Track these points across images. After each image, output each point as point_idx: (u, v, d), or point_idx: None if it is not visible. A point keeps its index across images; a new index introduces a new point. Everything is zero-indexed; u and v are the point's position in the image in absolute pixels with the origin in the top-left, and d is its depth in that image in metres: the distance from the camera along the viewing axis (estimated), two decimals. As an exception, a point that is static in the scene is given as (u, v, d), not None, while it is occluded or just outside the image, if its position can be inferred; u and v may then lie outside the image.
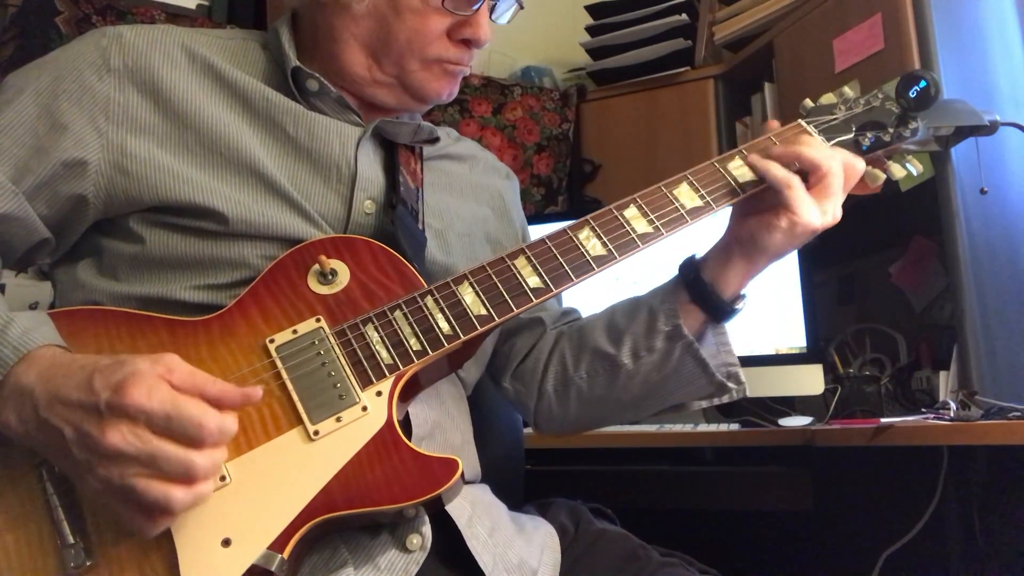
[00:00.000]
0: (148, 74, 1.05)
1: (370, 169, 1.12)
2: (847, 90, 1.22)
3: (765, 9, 2.33)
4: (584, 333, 1.24)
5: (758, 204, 1.10)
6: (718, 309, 1.13)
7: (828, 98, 1.22)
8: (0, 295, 0.95)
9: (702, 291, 1.13)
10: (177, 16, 2.37)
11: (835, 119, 1.19)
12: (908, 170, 1.21)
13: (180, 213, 1.02)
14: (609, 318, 1.23)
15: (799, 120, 1.19)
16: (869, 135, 1.17)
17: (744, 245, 1.11)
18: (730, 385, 1.18)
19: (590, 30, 2.69)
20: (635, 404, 1.23)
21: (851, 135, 1.17)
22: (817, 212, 1.06)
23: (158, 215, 1.03)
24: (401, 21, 1.09)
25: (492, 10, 1.15)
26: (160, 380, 0.80)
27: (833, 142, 1.16)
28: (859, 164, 1.10)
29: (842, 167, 1.08)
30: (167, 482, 0.79)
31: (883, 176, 1.19)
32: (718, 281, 1.13)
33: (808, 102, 1.22)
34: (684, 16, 2.52)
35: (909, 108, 1.17)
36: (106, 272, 1.04)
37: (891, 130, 1.17)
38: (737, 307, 1.15)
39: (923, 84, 1.15)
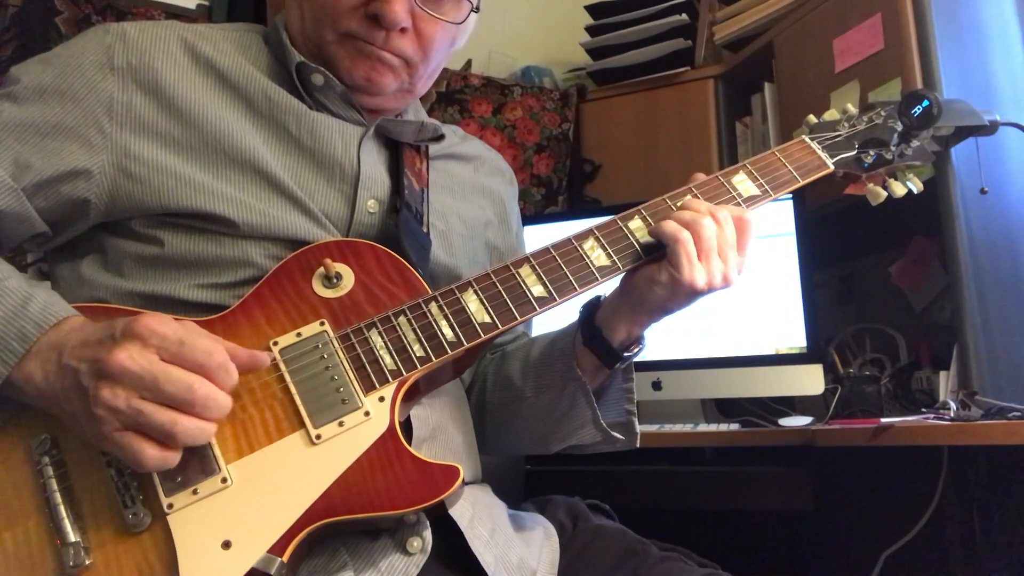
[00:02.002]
0: (151, 73, 1.05)
1: (373, 169, 1.11)
2: (850, 107, 1.23)
3: (765, 9, 2.33)
4: (505, 360, 1.24)
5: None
6: (608, 354, 1.10)
7: (831, 114, 1.23)
8: (16, 271, 0.95)
9: (592, 334, 1.10)
10: (177, 16, 2.36)
11: (838, 136, 1.20)
12: (909, 188, 1.22)
13: (187, 216, 1.02)
14: (528, 349, 1.21)
15: (803, 136, 1.20)
16: (872, 152, 1.19)
17: (630, 295, 1.08)
18: (616, 436, 1.15)
19: (590, 30, 2.69)
20: (541, 438, 1.20)
21: (854, 152, 1.19)
22: (701, 272, 1.01)
23: (165, 217, 1.03)
24: None
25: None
26: (176, 320, 0.85)
27: (836, 159, 1.17)
28: (733, 217, 1.03)
29: (715, 224, 1.02)
30: (171, 408, 0.81)
31: (884, 194, 1.21)
32: (607, 326, 1.09)
33: (812, 118, 1.23)
34: (684, 16, 2.52)
35: (912, 127, 1.19)
36: (111, 269, 1.04)
37: (893, 148, 1.18)
38: (628, 353, 1.10)
39: (926, 103, 1.17)
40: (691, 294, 1.03)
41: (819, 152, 1.17)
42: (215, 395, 0.83)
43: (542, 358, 1.16)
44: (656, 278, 1.03)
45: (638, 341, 1.11)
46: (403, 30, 1.09)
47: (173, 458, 0.83)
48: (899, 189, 1.21)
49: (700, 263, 1.01)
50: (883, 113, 1.21)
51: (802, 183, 1.14)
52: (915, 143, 1.20)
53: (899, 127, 1.19)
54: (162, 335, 0.82)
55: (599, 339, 1.10)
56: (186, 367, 0.82)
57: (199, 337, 0.84)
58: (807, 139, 1.19)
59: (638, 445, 1.18)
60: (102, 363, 0.81)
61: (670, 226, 1.02)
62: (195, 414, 0.82)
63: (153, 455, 0.82)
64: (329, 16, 1.08)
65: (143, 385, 0.80)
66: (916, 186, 1.23)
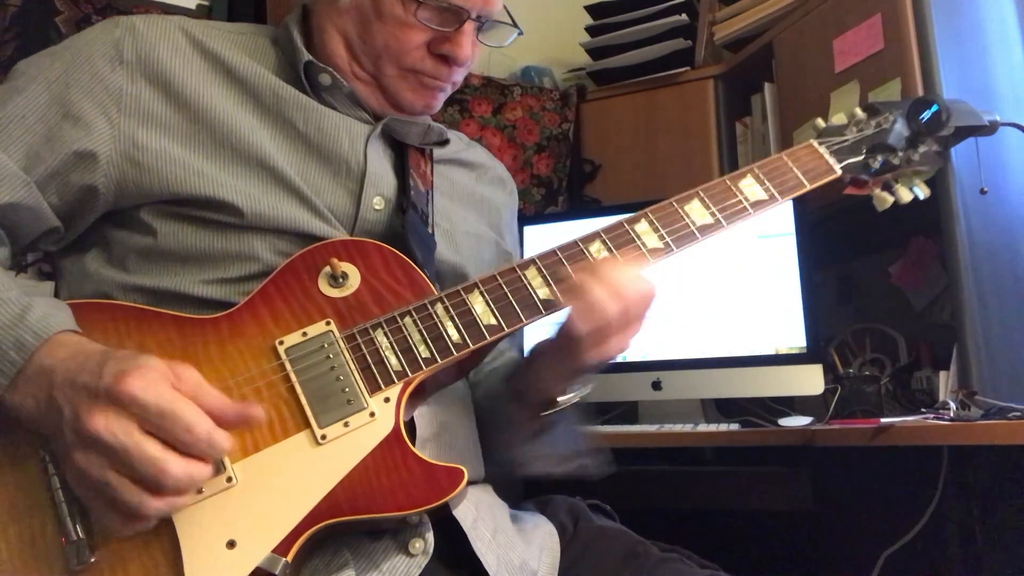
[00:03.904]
0: (160, 67, 1.05)
1: (380, 167, 1.12)
2: (858, 111, 1.23)
3: (765, 9, 2.34)
4: (481, 383, 1.24)
5: None
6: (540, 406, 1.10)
7: (839, 118, 1.23)
8: (15, 280, 0.95)
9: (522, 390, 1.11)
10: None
11: (846, 140, 1.19)
12: (915, 194, 1.22)
13: (193, 205, 1.02)
14: (496, 375, 1.23)
15: (811, 141, 1.20)
16: (879, 158, 1.18)
17: (546, 357, 1.08)
18: (577, 462, 1.16)
19: (590, 30, 2.69)
20: (509, 463, 1.19)
21: (861, 157, 1.19)
22: (585, 321, 0.98)
23: (170, 207, 1.03)
24: (382, 25, 1.09)
25: (480, 30, 1.13)
26: (164, 379, 0.80)
27: (844, 163, 1.17)
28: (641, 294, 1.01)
29: (603, 297, 0.98)
30: (141, 487, 0.79)
31: (891, 199, 1.21)
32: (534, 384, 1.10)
33: (820, 122, 1.23)
34: (684, 16, 2.52)
35: (920, 132, 1.19)
36: (115, 263, 1.04)
37: (900, 153, 1.19)
38: (552, 409, 1.10)
39: (934, 109, 1.18)
40: (575, 342, 1.00)
41: (827, 157, 1.17)
42: (190, 473, 0.80)
43: (493, 398, 1.18)
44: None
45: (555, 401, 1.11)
46: None
47: (143, 525, 0.82)
48: (905, 195, 1.21)
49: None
50: (891, 118, 1.20)
51: (810, 188, 1.14)
52: (923, 148, 1.20)
53: (907, 132, 1.19)
54: (143, 405, 0.78)
55: (522, 400, 1.11)
56: (166, 440, 0.79)
57: (183, 407, 0.79)
58: (815, 143, 1.19)
59: (612, 469, 1.18)
60: (80, 424, 0.79)
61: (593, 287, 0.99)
62: (167, 494, 0.80)
63: (120, 527, 0.81)
64: (393, 55, 1.10)
65: (115, 457, 0.78)
66: (923, 191, 1.23)
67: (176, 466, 0.79)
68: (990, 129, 1.28)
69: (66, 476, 0.83)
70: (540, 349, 1.08)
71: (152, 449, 0.78)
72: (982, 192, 1.49)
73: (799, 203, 2.00)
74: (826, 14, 2.06)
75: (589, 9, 2.71)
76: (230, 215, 1.02)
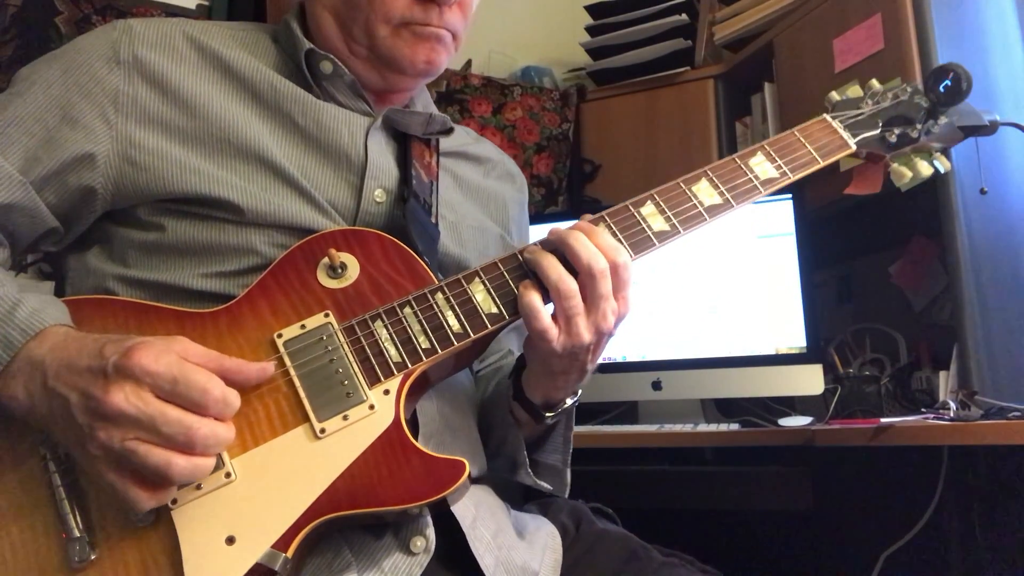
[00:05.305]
0: (157, 66, 1.05)
1: (381, 158, 1.11)
2: (874, 83, 1.19)
3: (765, 9, 2.34)
4: (479, 384, 1.24)
5: None
6: (535, 412, 1.09)
7: (855, 91, 1.19)
8: (11, 277, 0.95)
9: (519, 391, 1.09)
10: (176, 16, 2.36)
11: (861, 114, 1.16)
12: (936, 167, 1.17)
13: (192, 203, 1.02)
14: (493, 379, 1.22)
15: (824, 115, 1.16)
16: (896, 131, 1.14)
17: (531, 361, 1.06)
18: (544, 484, 1.15)
19: (590, 30, 2.69)
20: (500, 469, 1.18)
21: (877, 131, 1.15)
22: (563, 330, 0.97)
23: (169, 204, 1.03)
24: None
25: None
26: (170, 350, 0.82)
27: (859, 137, 1.14)
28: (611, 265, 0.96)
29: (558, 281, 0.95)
30: (167, 449, 0.80)
31: (910, 174, 1.16)
32: (527, 388, 1.08)
33: (834, 95, 1.19)
34: (684, 16, 2.52)
35: (939, 102, 1.14)
36: (116, 258, 1.05)
37: (919, 125, 1.14)
38: (551, 414, 1.09)
39: (953, 77, 1.12)
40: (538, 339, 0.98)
41: (841, 131, 1.13)
42: (216, 432, 0.82)
43: (493, 396, 1.17)
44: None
45: (562, 402, 1.09)
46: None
47: (167, 496, 0.83)
48: (925, 169, 1.16)
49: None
50: (908, 89, 1.16)
51: (823, 164, 1.10)
52: (943, 120, 1.15)
53: (925, 104, 1.14)
54: (155, 374, 0.80)
55: (523, 398, 1.09)
56: (183, 406, 0.81)
57: (193, 372, 0.82)
58: (828, 118, 1.15)
59: (566, 495, 1.18)
60: (97, 403, 0.79)
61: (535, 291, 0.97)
62: (195, 454, 0.81)
63: (145, 501, 0.81)
64: (380, 10, 1.08)
65: (140, 427, 0.79)
66: (943, 165, 1.17)
67: (202, 424, 0.81)
68: (990, 129, 1.27)
69: (81, 460, 0.83)
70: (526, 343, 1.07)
71: (175, 412, 0.80)
72: (982, 192, 1.49)
73: (799, 203, 2.01)
74: (826, 14, 2.06)
75: (589, 9, 2.71)
76: (229, 212, 1.02)
